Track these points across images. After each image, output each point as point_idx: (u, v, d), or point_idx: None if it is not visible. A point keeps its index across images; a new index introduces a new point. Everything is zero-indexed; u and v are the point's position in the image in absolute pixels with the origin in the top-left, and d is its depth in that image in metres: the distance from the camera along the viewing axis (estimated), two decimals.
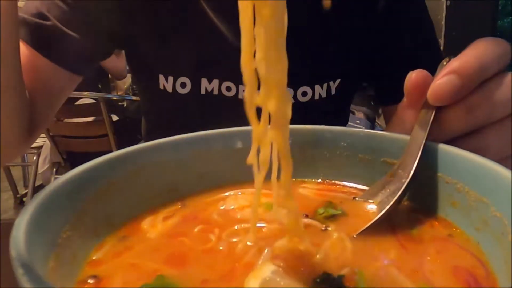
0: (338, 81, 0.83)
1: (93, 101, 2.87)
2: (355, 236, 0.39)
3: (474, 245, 0.37)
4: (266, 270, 0.33)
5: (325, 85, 0.82)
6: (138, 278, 0.35)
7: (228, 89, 0.79)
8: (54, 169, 3.08)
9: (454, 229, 0.39)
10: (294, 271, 0.34)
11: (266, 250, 0.37)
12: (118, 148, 0.44)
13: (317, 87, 0.82)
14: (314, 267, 0.35)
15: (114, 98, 3.28)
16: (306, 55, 0.79)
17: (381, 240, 0.39)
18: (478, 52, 0.42)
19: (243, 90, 0.42)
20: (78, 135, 2.95)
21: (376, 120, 3.01)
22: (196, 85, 0.79)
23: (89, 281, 0.34)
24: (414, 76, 0.45)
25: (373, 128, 2.87)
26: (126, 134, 2.90)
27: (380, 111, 2.84)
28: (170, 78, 0.79)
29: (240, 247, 0.38)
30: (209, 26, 0.78)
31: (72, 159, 3.01)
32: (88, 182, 0.39)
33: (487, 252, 0.35)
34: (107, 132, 2.88)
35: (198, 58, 0.78)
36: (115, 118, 2.98)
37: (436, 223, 0.41)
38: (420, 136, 0.42)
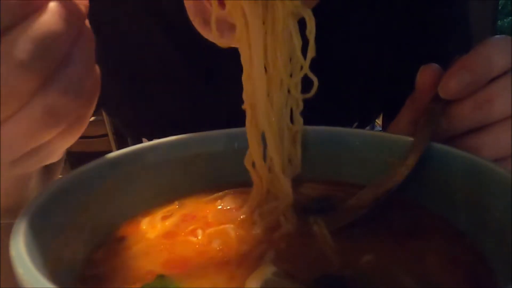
0: (355, 124, 0.73)
1: None
2: (335, 230, 0.39)
3: (474, 244, 0.37)
4: (267, 271, 0.33)
5: None
6: (138, 278, 0.35)
7: None
8: None
9: (453, 229, 0.39)
10: (294, 272, 0.34)
11: (267, 251, 0.37)
12: (118, 148, 0.44)
13: None
14: (314, 268, 0.35)
15: None
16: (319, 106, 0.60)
17: (380, 239, 0.39)
18: (488, 50, 0.43)
19: None
20: None
21: (376, 120, 3.01)
22: None
23: (88, 281, 0.34)
24: (426, 70, 0.46)
25: (373, 128, 2.87)
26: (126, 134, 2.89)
27: None
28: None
29: (240, 248, 0.38)
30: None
31: (72, 159, 3.00)
32: (88, 182, 0.39)
33: (487, 252, 0.35)
34: (107, 132, 2.87)
35: (189, 112, 0.66)
36: None
37: (436, 222, 0.41)
38: (425, 132, 0.43)
